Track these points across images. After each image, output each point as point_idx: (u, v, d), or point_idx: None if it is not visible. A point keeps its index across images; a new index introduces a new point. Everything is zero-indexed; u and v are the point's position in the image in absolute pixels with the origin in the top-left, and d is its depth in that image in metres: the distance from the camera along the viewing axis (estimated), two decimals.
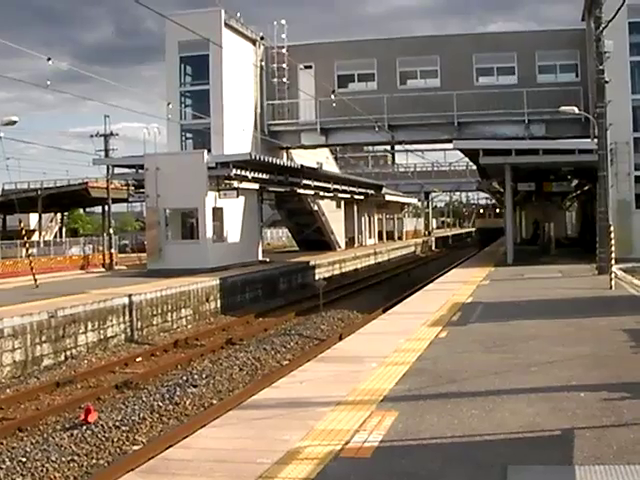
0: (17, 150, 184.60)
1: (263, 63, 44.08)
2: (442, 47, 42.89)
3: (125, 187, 42.11)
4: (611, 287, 22.36)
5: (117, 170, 41.96)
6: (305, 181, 44.58)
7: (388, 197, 70.69)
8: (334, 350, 14.05)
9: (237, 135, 40.01)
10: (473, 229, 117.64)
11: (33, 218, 62.98)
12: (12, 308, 21.71)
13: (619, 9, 22.18)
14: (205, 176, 35.13)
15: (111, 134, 50.53)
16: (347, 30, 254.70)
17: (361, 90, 44.00)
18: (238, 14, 41.30)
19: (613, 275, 23.09)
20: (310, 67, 43.83)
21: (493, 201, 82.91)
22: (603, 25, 25.74)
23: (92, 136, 50.64)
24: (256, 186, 39.94)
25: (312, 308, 31.00)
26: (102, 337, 23.50)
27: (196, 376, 18.25)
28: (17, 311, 20.96)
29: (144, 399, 16.09)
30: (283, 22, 44.00)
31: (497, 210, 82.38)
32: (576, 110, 31.89)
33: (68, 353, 21.74)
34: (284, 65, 43.30)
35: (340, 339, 19.71)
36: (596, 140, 28.35)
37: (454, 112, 40.92)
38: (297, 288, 39.35)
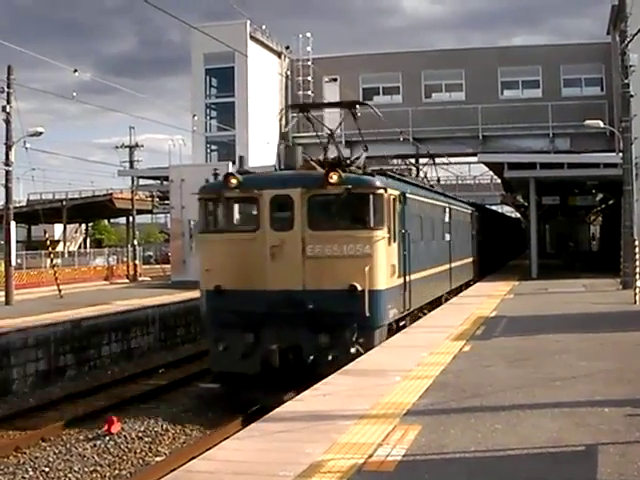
0: (42, 160, 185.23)
1: (288, 75, 44.25)
2: (467, 60, 42.96)
3: (150, 198, 42.40)
4: (635, 302, 22.20)
5: (142, 181, 42.21)
6: None
7: None
8: (358, 363, 13.98)
9: (262, 147, 40.12)
10: None
11: (58, 228, 63.51)
12: (36, 318, 21.85)
13: None
14: None
15: (136, 145, 50.76)
16: (370, 43, 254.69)
17: (386, 103, 44.06)
18: (264, 26, 41.59)
19: (638, 290, 22.90)
20: (335, 80, 43.99)
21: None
22: (628, 39, 25.63)
23: (117, 147, 50.91)
24: None
25: None
26: (126, 348, 23.61)
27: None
28: (41, 321, 21.10)
29: (167, 410, 16.11)
30: (308, 35, 44.25)
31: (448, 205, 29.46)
32: (601, 124, 31.77)
33: (92, 363, 21.85)
34: (309, 77, 43.46)
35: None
36: (621, 154, 28.21)
37: (479, 125, 40.95)
38: None
